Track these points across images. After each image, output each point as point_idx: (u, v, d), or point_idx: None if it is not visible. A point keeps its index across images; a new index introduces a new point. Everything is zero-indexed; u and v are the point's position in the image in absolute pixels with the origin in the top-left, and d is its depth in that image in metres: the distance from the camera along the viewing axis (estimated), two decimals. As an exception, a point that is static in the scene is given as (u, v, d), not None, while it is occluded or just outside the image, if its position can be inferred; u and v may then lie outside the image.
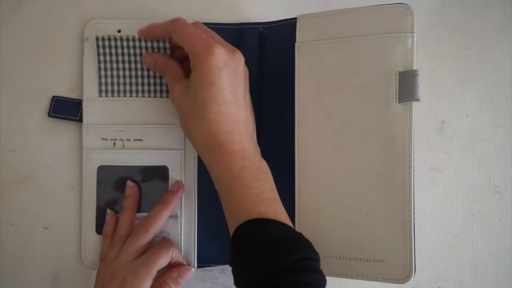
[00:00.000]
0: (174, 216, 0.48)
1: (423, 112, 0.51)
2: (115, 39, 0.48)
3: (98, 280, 0.45)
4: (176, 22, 0.44)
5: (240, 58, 0.43)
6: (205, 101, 0.41)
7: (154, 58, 0.47)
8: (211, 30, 0.45)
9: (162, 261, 0.45)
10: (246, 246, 0.38)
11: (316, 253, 0.39)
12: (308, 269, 0.37)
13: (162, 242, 0.47)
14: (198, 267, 0.50)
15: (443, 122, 0.52)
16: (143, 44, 0.48)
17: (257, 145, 0.45)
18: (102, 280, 0.44)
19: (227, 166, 0.41)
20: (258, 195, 0.40)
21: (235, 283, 0.39)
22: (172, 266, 0.47)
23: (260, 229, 0.38)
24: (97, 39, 0.49)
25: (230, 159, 0.41)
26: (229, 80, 0.41)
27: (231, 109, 0.42)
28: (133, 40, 0.48)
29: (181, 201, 0.49)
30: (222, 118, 0.41)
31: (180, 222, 0.49)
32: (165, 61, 0.46)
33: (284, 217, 0.40)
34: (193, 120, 0.42)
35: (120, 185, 0.49)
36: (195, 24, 0.45)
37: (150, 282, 0.44)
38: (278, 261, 0.36)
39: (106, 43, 0.49)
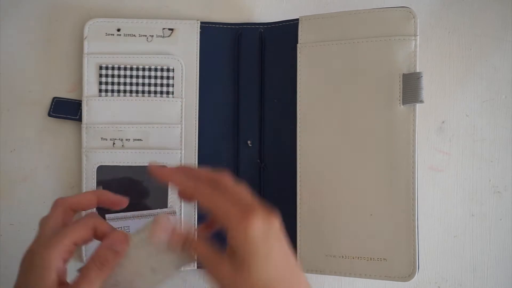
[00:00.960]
0: (172, 213, 0.48)
1: (423, 112, 0.51)
2: (119, 69, 0.49)
3: None
4: (199, 184, 0.36)
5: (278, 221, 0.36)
6: (272, 282, 0.34)
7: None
8: (239, 187, 0.36)
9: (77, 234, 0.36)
10: None
11: None
12: None
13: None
14: (198, 267, 0.49)
15: (443, 122, 0.52)
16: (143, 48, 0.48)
17: None
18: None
19: None
20: None
21: None
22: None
23: None
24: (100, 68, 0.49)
25: None
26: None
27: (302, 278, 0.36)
28: (137, 69, 0.49)
29: (181, 201, 0.49)
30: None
31: (180, 222, 0.49)
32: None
33: None
34: None
35: (119, 185, 0.49)
36: (225, 177, 0.36)
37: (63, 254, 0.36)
38: None
39: (110, 72, 0.49)
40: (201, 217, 0.50)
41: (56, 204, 0.38)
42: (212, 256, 0.35)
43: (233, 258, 0.34)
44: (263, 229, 0.33)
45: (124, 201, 0.39)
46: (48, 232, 0.37)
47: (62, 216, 0.38)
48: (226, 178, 0.36)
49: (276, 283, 0.33)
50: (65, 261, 0.35)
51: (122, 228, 0.48)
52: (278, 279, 0.34)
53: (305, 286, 0.36)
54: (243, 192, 0.36)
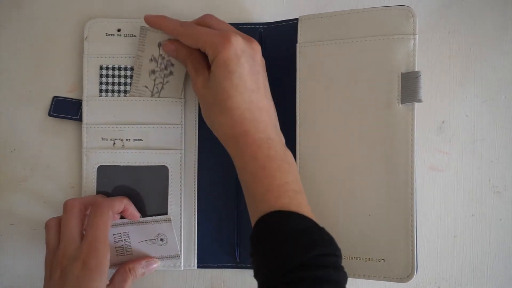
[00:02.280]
0: (167, 220, 0.48)
1: (423, 112, 0.51)
2: (119, 69, 0.49)
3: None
4: (186, 24, 0.45)
5: (257, 47, 0.44)
6: (226, 90, 0.41)
7: (175, 46, 0.46)
8: (224, 22, 0.46)
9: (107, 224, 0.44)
10: (266, 238, 0.37)
11: (338, 249, 0.38)
12: (328, 266, 0.36)
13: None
14: (198, 267, 0.50)
15: (443, 122, 0.52)
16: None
17: (281, 134, 0.44)
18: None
19: (252, 155, 0.40)
20: (282, 186, 0.39)
21: (255, 276, 0.38)
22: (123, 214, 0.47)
23: (281, 221, 0.37)
24: (101, 68, 0.49)
25: (255, 148, 0.40)
26: (248, 67, 0.41)
27: (254, 96, 0.41)
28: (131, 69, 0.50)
29: (181, 201, 0.49)
30: (245, 106, 0.41)
31: (180, 221, 0.49)
32: (189, 51, 0.46)
33: (307, 211, 0.39)
34: (216, 111, 0.42)
35: (119, 185, 0.49)
36: (208, 16, 0.46)
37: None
38: (297, 255, 0.35)
39: (110, 72, 0.49)
40: (201, 220, 0.50)
41: (72, 206, 0.45)
42: (197, 68, 0.44)
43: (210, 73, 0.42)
44: (240, 49, 0.41)
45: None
46: (76, 236, 0.43)
47: (80, 216, 0.44)
48: (209, 16, 0.46)
49: (235, 96, 0.41)
50: None
51: (121, 235, 0.48)
52: (237, 94, 0.41)
53: (266, 111, 0.42)
54: (227, 25, 0.45)
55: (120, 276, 0.46)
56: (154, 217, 0.48)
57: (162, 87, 0.49)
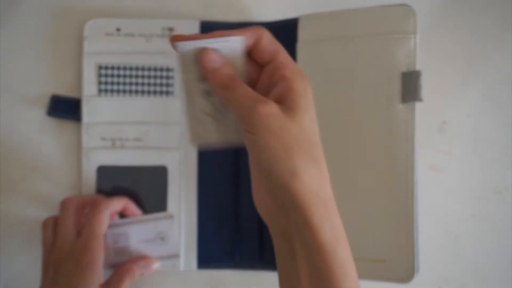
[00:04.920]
0: (168, 217, 0.48)
1: (424, 112, 0.51)
2: (118, 68, 0.49)
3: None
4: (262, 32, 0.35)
5: None
6: (316, 135, 0.35)
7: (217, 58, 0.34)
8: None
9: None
10: None
11: None
12: None
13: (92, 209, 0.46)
14: (198, 267, 0.49)
15: (444, 122, 0.51)
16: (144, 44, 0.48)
17: None
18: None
19: (343, 236, 0.34)
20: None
21: None
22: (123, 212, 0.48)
23: None
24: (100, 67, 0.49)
25: (339, 219, 0.34)
26: None
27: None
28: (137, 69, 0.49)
29: (180, 202, 0.49)
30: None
31: (179, 222, 0.49)
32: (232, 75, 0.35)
33: None
34: (302, 157, 0.33)
35: (119, 186, 0.49)
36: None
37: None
38: None
39: (110, 71, 0.49)
40: (201, 223, 0.49)
41: (68, 203, 0.45)
42: (256, 96, 0.33)
43: (283, 104, 0.34)
44: (311, 92, 0.36)
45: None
46: (71, 234, 0.44)
47: (76, 214, 0.45)
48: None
49: (312, 135, 0.35)
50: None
51: (121, 235, 0.48)
52: (313, 132, 0.36)
53: (319, 149, 0.36)
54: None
55: (117, 276, 0.46)
56: (155, 214, 0.48)
57: (226, 108, 0.35)
